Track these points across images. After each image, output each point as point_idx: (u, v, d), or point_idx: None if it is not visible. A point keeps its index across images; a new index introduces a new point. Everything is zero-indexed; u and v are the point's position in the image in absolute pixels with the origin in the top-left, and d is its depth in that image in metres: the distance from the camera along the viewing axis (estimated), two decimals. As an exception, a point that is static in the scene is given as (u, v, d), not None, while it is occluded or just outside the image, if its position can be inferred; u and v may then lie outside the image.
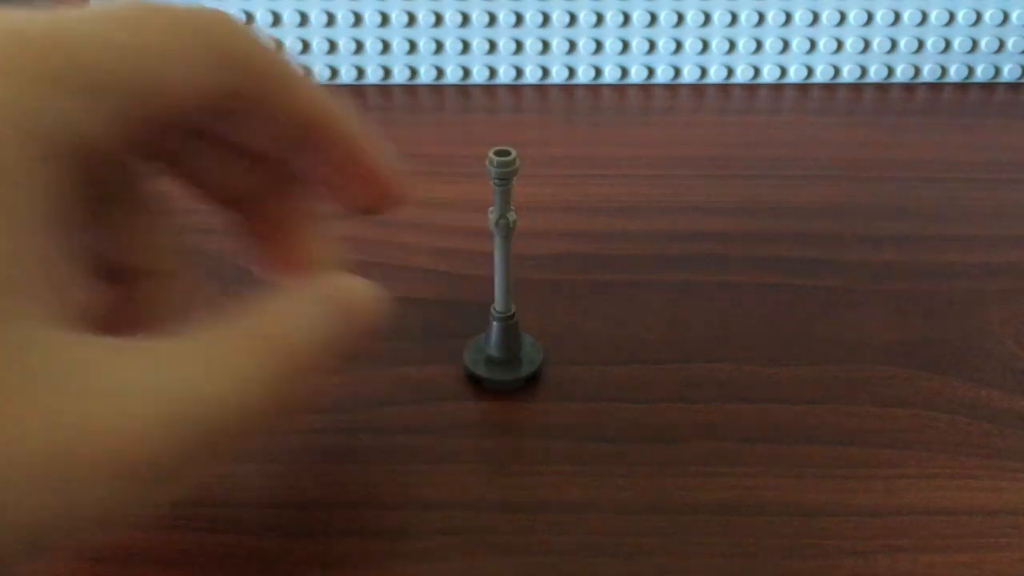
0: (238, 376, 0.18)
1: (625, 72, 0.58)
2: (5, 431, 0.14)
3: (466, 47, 0.57)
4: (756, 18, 0.56)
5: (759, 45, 0.57)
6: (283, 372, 0.18)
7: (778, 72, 0.58)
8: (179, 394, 0.16)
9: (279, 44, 0.51)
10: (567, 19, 0.57)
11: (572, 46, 0.58)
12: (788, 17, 0.56)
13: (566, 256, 0.42)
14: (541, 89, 0.58)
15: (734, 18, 0.56)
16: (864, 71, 0.58)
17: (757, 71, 0.58)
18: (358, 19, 0.55)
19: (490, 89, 0.57)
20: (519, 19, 0.57)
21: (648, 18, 0.57)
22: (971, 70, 0.58)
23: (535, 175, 0.48)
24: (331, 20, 0.55)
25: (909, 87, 0.58)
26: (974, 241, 0.42)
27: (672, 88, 0.58)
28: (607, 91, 0.58)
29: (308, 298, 0.20)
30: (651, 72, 0.58)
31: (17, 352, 0.15)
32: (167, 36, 0.18)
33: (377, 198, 0.25)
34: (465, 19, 0.56)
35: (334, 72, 0.56)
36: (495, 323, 0.34)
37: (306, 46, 0.55)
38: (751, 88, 0.58)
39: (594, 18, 0.57)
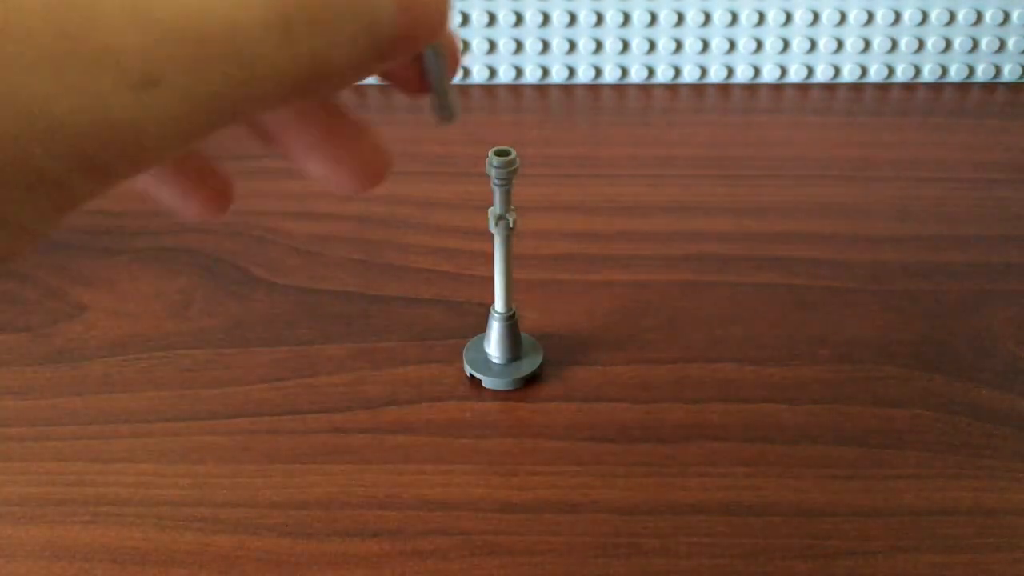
0: None
1: (625, 72, 0.58)
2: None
3: (466, 47, 0.57)
4: (756, 18, 0.56)
5: (759, 45, 0.57)
6: (291, 8, 0.15)
7: (778, 72, 0.58)
8: None
9: None
10: (567, 19, 0.57)
11: (572, 46, 0.58)
12: (788, 17, 0.56)
13: (566, 256, 0.42)
14: (541, 89, 0.58)
15: (734, 18, 0.56)
16: (864, 71, 0.58)
17: (757, 71, 0.58)
18: (358, 19, 0.55)
19: (490, 89, 0.57)
20: (519, 19, 0.57)
21: (648, 18, 0.57)
22: (972, 70, 0.58)
23: (535, 175, 0.48)
24: (331, 20, 0.55)
25: (909, 87, 0.58)
26: (974, 241, 0.42)
27: (672, 88, 0.58)
28: (607, 91, 0.58)
29: None
30: (651, 72, 0.58)
31: None
32: None
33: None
34: (465, 19, 0.56)
35: (334, 72, 0.56)
36: (495, 323, 0.34)
37: (306, 46, 0.55)
38: (751, 88, 0.58)
39: (594, 18, 0.57)
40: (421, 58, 0.22)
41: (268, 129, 0.21)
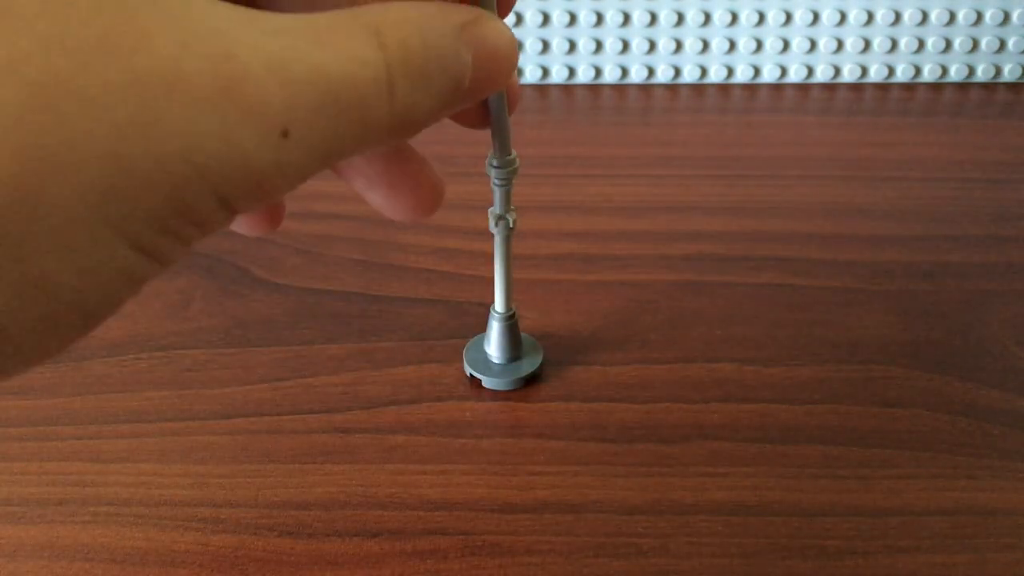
0: (350, 53, 0.17)
1: (625, 72, 0.58)
2: (160, 49, 0.14)
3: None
4: (756, 18, 0.56)
5: (759, 45, 0.57)
6: (397, 65, 0.18)
7: (778, 72, 0.58)
8: (280, 51, 0.16)
9: None
10: (567, 19, 0.57)
11: (572, 46, 0.58)
12: (788, 17, 0.56)
13: (566, 256, 0.42)
14: (541, 89, 0.58)
15: (734, 18, 0.56)
16: (864, 71, 0.58)
17: (757, 71, 0.58)
18: (358, 19, 0.55)
19: (490, 89, 0.56)
20: (519, 19, 0.57)
21: (648, 18, 0.57)
22: (971, 70, 0.58)
23: (535, 175, 0.48)
24: (331, 20, 0.55)
25: (909, 87, 0.58)
26: (974, 241, 0.42)
27: (672, 88, 0.58)
28: (607, 91, 0.58)
29: (435, 15, 0.19)
30: (651, 72, 0.58)
31: None
32: None
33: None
34: (465, 19, 0.56)
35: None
36: (495, 323, 0.34)
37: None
38: (751, 88, 0.58)
39: (594, 18, 0.57)
40: (486, 99, 0.24)
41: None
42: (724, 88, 0.58)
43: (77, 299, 0.15)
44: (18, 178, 0.13)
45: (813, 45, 0.57)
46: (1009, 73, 0.57)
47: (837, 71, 0.58)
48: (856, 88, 0.57)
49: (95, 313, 0.15)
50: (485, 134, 0.28)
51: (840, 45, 0.57)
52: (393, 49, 0.18)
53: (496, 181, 0.30)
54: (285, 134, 0.16)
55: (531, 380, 0.35)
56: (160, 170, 0.15)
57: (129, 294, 0.16)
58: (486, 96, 0.22)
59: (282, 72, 0.16)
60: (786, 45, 0.57)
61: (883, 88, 0.57)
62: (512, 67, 0.21)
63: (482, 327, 0.36)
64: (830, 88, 0.57)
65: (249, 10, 0.16)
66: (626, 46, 0.57)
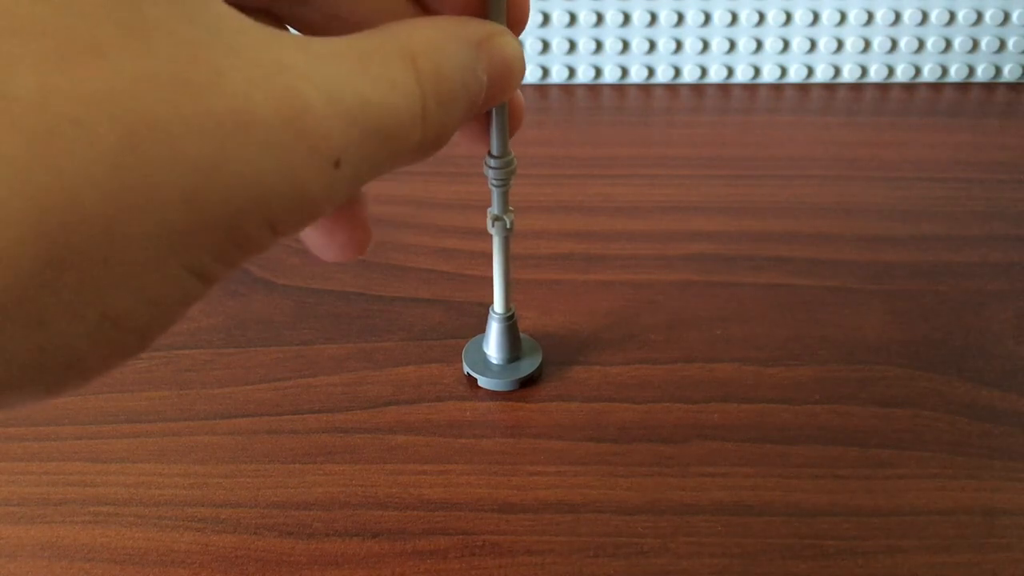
0: (390, 81, 0.18)
1: (625, 72, 0.58)
2: (227, 88, 0.15)
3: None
4: (756, 18, 0.56)
5: (759, 45, 0.57)
6: (430, 92, 0.18)
7: (778, 72, 0.58)
8: (335, 81, 0.17)
9: None
10: (567, 19, 0.57)
11: (572, 46, 0.58)
12: (788, 17, 0.56)
13: (566, 256, 0.42)
14: (541, 89, 0.58)
15: (734, 18, 0.56)
16: (864, 71, 0.58)
17: (757, 71, 0.58)
18: (358, 19, 0.55)
19: (490, 89, 0.56)
20: (519, 19, 0.57)
21: (648, 18, 0.57)
22: (972, 70, 0.58)
23: (535, 175, 0.48)
24: (331, 20, 0.55)
25: (909, 87, 0.58)
26: (974, 241, 0.42)
27: (672, 88, 0.58)
28: (607, 91, 0.58)
29: (459, 36, 0.20)
30: (651, 72, 0.58)
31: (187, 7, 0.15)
32: None
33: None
34: (465, 19, 0.56)
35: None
36: (494, 323, 0.34)
37: (306, 46, 0.55)
38: (751, 88, 0.58)
39: (594, 18, 0.57)
40: (489, 111, 0.24)
41: None
42: (724, 88, 0.58)
43: (141, 326, 0.15)
44: (104, 217, 0.14)
45: (813, 45, 0.57)
46: (1009, 73, 0.57)
47: (837, 71, 0.58)
48: (856, 88, 0.57)
49: (152, 335, 0.16)
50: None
51: (840, 45, 0.57)
52: (426, 75, 0.18)
53: (493, 181, 0.30)
54: (337, 164, 0.16)
55: (531, 380, 0.35)
56: (228, 205, 0.15)
57: (182, 315, 0.16)
58: (495, 105, 0.22)
59: (338, 103, 0.16)
60: (786, 45, 0.57)
61: (883, 88, 0.57)
62: (520, 79, 0.21)
63: (482, 327, 0.36)
64: (830, 88, 0.57)
65: (299, 36, 0.17)
66: (626, 46, 0.57)
